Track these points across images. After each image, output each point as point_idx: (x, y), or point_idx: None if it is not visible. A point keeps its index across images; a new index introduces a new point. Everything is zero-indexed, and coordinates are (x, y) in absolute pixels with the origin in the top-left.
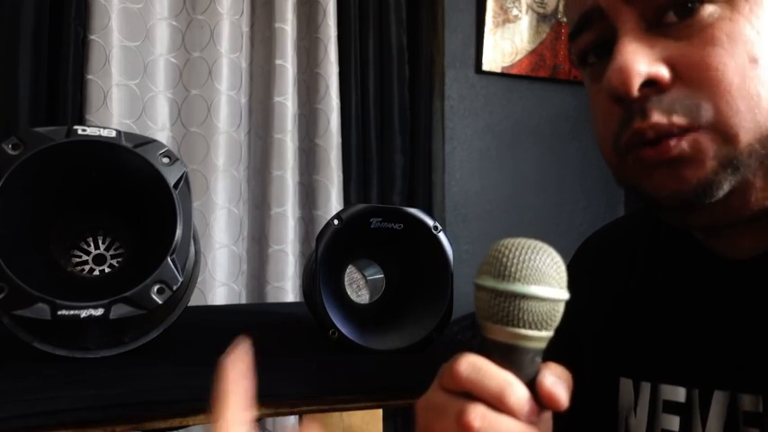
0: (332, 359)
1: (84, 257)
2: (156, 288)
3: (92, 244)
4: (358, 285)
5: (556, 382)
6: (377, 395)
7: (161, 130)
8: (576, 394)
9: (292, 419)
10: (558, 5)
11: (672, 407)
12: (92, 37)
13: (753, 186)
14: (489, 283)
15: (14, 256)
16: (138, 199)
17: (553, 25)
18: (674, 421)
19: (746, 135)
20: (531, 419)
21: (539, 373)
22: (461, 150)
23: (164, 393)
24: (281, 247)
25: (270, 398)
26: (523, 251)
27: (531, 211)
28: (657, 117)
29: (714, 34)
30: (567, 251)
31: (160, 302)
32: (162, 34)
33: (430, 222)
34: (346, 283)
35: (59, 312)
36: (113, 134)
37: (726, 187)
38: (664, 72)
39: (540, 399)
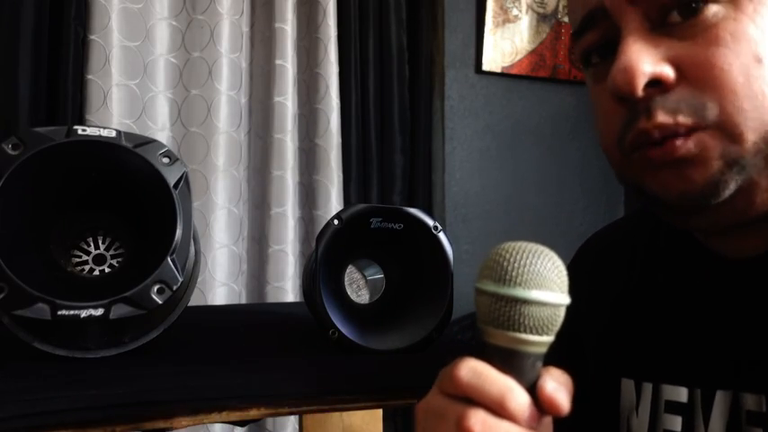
0: (332, 359)
1: (84, 257)
2: (156, 288)
3: (92, 244)
4: (358, 285)
5: (557, 387)
6: (377, 395)
7: (161, 130)
8: (577, 395)
9: (292, 419)
10: (558, 5)
11: (674, 407)
12: (92, 37)
13: (758, 186)
14: (490, 287)
15: (14, 256)
16: (138, 199)
17: (553, 25)
18: (676, 421)
19: (752, 134)
20: (532, 425)
21: (539, 378)
22: (461, 150)
23: (164, 393)
24: (281, 247)
25: (270, 398)
26: (524, 255)
27: (531, 211)
28: (663, 117)
29: (718, 34)
30: (566, 251)
31: (160, 302)
32: (162, 34)
33: (430, 222)
34: (346, 283)
35: (59, 312)
36: (113, 134)
37: (732, 187)
38: (668, 72)
39: (540, 404)
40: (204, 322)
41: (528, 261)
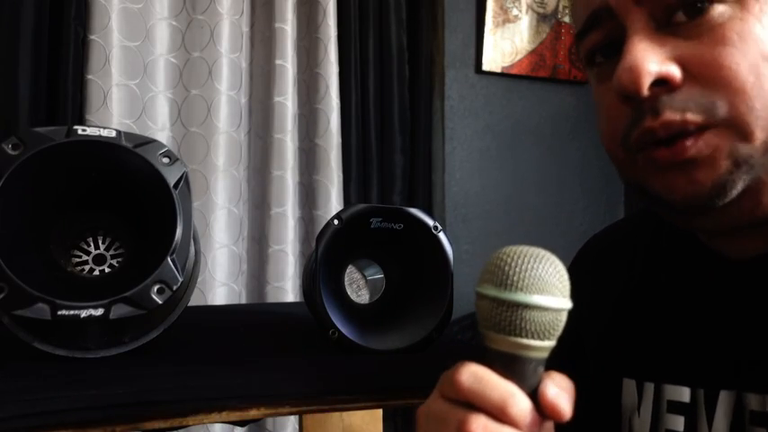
0: (332, 359)
1: (84, 257)
2: (156, 288)
3: (92, 244)
4: (358, 285)
5: (559, 393)
6: (377, 395)
7: (161, 130)
8: (578, 396)
9: (292, 419)
10: (558, 5)
11: (676, 407)
12: (92, 37)
13: (765, 186)
14: (491, 291)
15: (14, 256)
16: (138, 199)
17: (553, 25)
18: (678, 421)
19: (762, 133)
20: (533, 430)
21: (541, 383)
22: (461, 150)
23: (164, 393)
24: (281, 247)
25: (270, 398)
26: (526, 259)
27: (531, 211)
28: (670, 115)
29: (725, 34)
30: (566, 251)
31: (160, 302)
32: (162, 34)
33: (430, 222)
34: (346, 283)
35: (59, 312)
36: (113, 134)
37: (739, 187)
38: (675, 71)
39: (542, 409)
40: (204, 322)
41: (529, 265)
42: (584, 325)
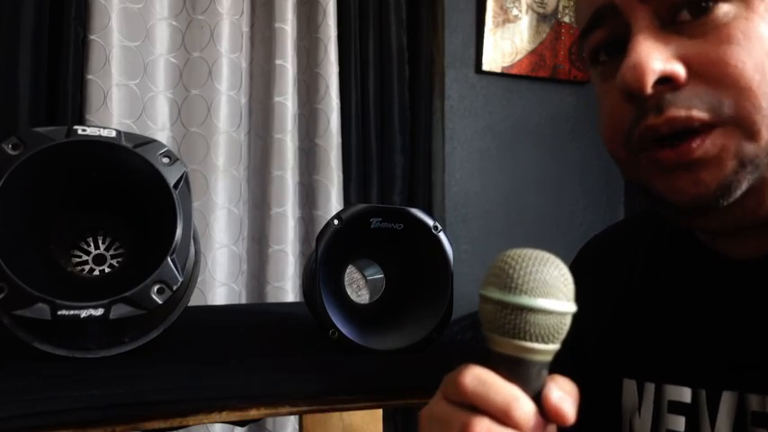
0: (332, 359)
1: (84, 257)
2: (156, 288)
3: (92, 244)
4: (358, 285)
5: (563, 397)
6: (377, 395)
7: (161, 130)
8: (579, 396)
9: (292, 419)
10: (558, 5)
11: (677, 407)
12: (92, 37)
13: None
14: (495, 294)
15: (14, 256)
16: (138, 199)
17: (553, 25)
18: (679, 421)
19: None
20: None
21: (545, 387)
22: (461, 150)
23: (164, 393)
24: (281, 247)
25: (270, 398)
26: (531, 263)
27: (531, 211)
28: (674, 111)
29: (730, 33)
30: (566, 251)
31: (160, 302)
32: (162, 34)
33: (430, 222)
34: (346, 283)
35: (59, 312)
36: (113, 134)
37: (744, 187)
38: (679, 69)
39: (546, 413)
40: (204, 322)
41: (534, 269)
42: (585, 325)
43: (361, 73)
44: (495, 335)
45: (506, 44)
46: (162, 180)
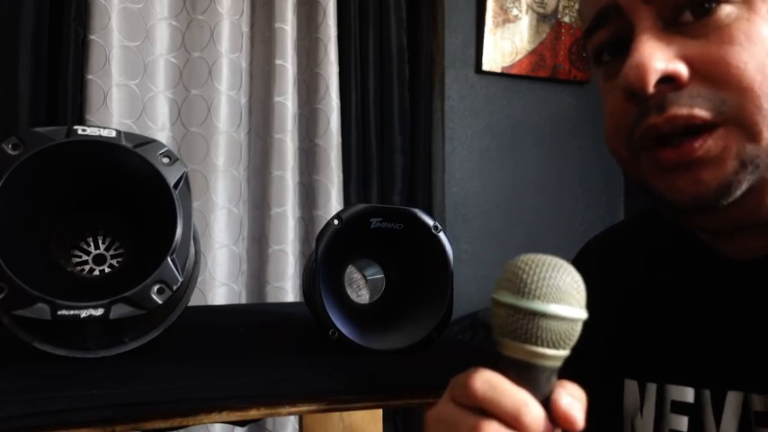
0: (332, 359)
1: (84, 257)
2: (156, 288)
3: (92, 244)
4: (358, 285)
5: (572, 403)
6: (377, 395)
7: (161, 130)
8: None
9: (292, 419)
10: (558, 5)
11: (680, 407)
12: (92, 37)
13: None
14: (508, 299)
15: (14, 256)
16: (138, 199)
17: (553, 25)
18: (682, 421)
19: None
20: None
21: (554, 392)
22: (461, 150)
23: (164, 393)
24: (281, 247)
25: (270, 398)
26: (544, 268)
27: (531, 211)
28: (676, 110)
29: (732, 34)
30: (567, 251)
31: (160, 302)
32: (162, 34)
33: (430, 222)
34: (346, 283)
35: (59, 312)
36: (113, 134)
37: (744, 186)
38: (682, 69)
39: (555, 418)
40: (204, 322)
41: (548, 274)
42: (585, 326)
43: (361, 73)
44: (506, 339)
45: (506, 44)
46: (162, 180)
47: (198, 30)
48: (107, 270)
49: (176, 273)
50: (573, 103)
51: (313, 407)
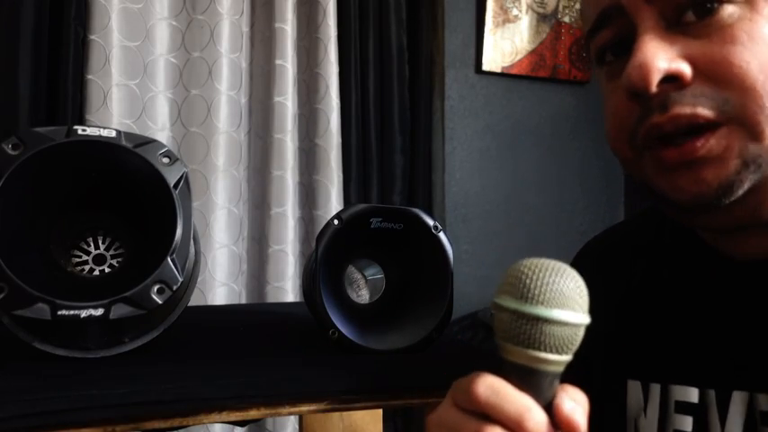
0: (332, 359)
1: (84, 257)
2: (156, 288)
3: (92, 244)
4: (358, 285)
5: (574, 407)
6: (377, 395)
7: (161, 130)
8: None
9: (292, 419)
10: (558, 5)
11: (684, 407)
12: (92, 37)
13: None
14: (511, 304)
15: (14, 256)
16: (138, 199)
17: (553, 25)
18: (686, 421)
19: None
20: None
21: (556, 397)
22: (461, 150)
23: (164, 393)
24: (281, 247)
25: (270, 398)
26: (547, 273)
27: (531, 211)
28: (678, 109)
29: (734, 33)
30: (566, 251)
31: (160, 302)
32: (162, 34)
33: (430, 222)
34: (346, 283)
35: (59, 312)
36: (113, 134)
37: (746, 186)
38: (685, 68)
39: (557, 423)
40: (204, 322)
41: (550, 279)
42: (587, 328)
43: (361, 73)
44: (508, 344)
45: (506, 44)
46: (162, 180)
47: (198, 30)
48: (107, 270)
49: (176, 273)
50: (573, 103)
51: (313, 407)
